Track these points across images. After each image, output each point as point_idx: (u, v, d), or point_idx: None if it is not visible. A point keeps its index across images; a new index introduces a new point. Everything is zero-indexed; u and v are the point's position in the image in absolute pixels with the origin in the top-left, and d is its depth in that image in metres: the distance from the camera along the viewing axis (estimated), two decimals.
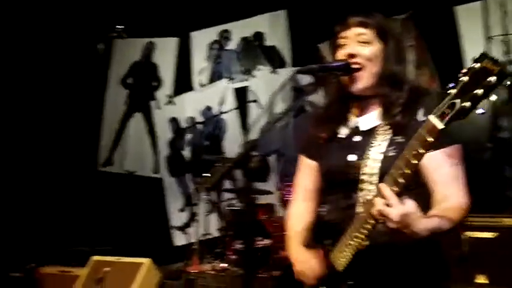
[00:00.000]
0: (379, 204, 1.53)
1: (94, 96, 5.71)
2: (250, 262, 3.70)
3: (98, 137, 5.88)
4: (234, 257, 4.17)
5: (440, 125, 1.45)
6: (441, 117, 1.45)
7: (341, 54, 1.84)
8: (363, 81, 1.81)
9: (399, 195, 1.54)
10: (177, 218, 5.52)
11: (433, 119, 1.46)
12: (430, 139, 1.47)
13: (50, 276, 4.44)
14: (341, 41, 1.86)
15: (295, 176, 2.10)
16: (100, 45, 5.39)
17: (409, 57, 4.17)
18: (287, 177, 4.22)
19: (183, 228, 5.46)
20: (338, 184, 1.83)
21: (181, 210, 5.52)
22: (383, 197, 1.54)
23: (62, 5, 5.39)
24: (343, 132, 1.89)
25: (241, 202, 4.20)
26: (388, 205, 1.52)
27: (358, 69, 1.81)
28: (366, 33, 1.83)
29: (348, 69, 1.81)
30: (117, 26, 5.30)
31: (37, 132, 5.41)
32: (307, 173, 2.03)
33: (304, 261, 1.86)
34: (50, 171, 5.41)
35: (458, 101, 1.43)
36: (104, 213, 5.32)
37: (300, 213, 2.04)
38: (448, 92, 1.44)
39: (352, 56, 1.81)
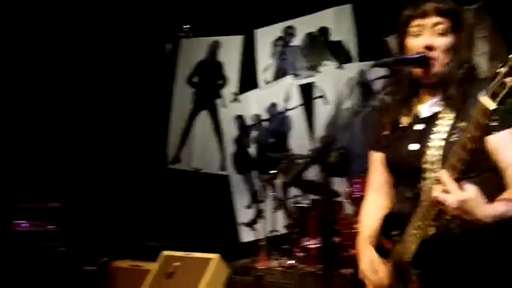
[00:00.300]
0: (436, 191, 1.52)
1: (162, 95, 5.83)
2: (329, 259, 3.68)
3: (166, 136, 6.00)
4: (301, 254, 4.15)
5: (492, 105, 1.40)
6: (493, 97, 1.40)
7: (417, 45, 1.78)
8: (434, 71, 1.77)
9: (459, 180, 1.50)
10: (244, 214, 5.56)
11: (484, 99, 1.41)
12: (483, 120, 1.42)
13: (122, 270, 4.58)
14: (415, 30, 1.80)
15: (367, 174, 2.08)
16: (168, 45, 5.50)
17: (482, 48, 4.05)
18: (355, 174, 4.16)
19: (250, 225, 5.50)
20: (403, 174, 1.82)
21: (248, 207, 5.55)
22: (441, 183, 1.52)
23: (130, 6, 5.54)
24: (406, 121, 1.86)
25: (319, 196, 4.17)
26: (446, 191, 1.50)
27: (433, 61, 1.76)
28: (443, 22, 1.76)
29: (426, 62, 1.76)
30: (184, 26, 5.38)
31: (108, 132, 5.60)
32: (377, 167, 2.00)
33: (370, 262, 1.86)
34: (122, 169, 5.57)
35: (509, 79, 1.37)
36: (172, 209, 5.42)
37: (372, 209, 2.01)
38: (498, 71, 1.39)
39: (429, 48, 1.76)
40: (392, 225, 1.81)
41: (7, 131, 5.31)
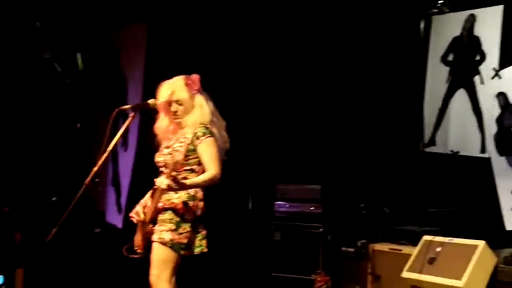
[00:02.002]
0: None
1: (415, 76, 5.67)
2: None
3: (421, 117, 5.82)
4: None
5: None
6: None
7: None
8: None
9: None
10: (509, 199, 5.11)
11: None
12: None
13: (381, 253, 4.59)
14: None
15: None
16: (422, 23, 5.31)
17: None
18: None
19: None
20: None
21: None
22: None
23: None
24: None
25: None
26: None
27: None
28: None
29: None
30: (439, 2, 5.13)
31: (363, 115, 5.67)
32: None
33: None
34: (377, 152, 5.59)
35: None
36: (430, 193, 5.25)
37: None
38: None
39: None
40: None
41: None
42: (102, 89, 6.68)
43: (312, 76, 5.92)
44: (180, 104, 3.22)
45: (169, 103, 3.24)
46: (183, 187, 3.02)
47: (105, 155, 3.00)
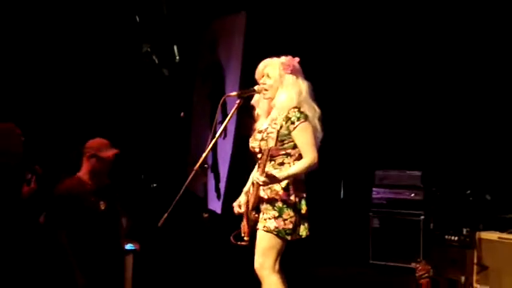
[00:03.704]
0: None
1: None
2: None
3: None
4: None
5: None
6: None
7: None
8: None
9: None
10: None
11: None
12: None
13: (488, 242, 4.41)
14: None
15: None
16: None
17: None
18: None
19: None
20: None
21: None
22: None
23: None
24: None
25: None
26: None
27: None
28: None
29: None
30: None
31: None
32: None
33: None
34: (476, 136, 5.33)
35: None
36: None
37: None
38: None
39: None
40: None
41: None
42: (201, 79, 6.86)
43: (412, 61, 5.72)
44: (269, 78, 3.16)
45: (261, 76, 3.20)
46: (280, 180, 3.00)
47: (214, 140, 3.01)
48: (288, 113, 3.09)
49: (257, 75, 3.24)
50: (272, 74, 3.16)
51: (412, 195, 5.33)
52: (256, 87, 3.20)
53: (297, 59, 3.22)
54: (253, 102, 3.30)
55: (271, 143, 2.92)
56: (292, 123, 3.07)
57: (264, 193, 3.10)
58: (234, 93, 3.21)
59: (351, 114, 6.13)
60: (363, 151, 6.06)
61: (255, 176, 3.03)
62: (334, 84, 5.89)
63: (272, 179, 2.95)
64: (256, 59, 3.28)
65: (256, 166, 3.19)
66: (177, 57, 6.70)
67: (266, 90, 3.18)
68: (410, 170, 5.45)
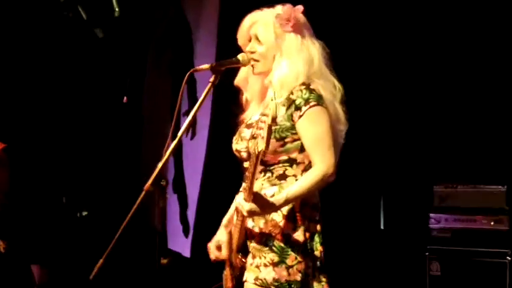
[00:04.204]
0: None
1: None
2: None
3: None
4: None
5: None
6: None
7: None
8: None
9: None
10: None
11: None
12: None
13: None
14: None
15: None
16: None
17: None
18: None
19: None
20: None
21: None
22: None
23: None
24: None
25: None
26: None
27: None
28: None
29: None
30: None
31: None
32: None
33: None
34: None
35: None
36: None
37: None
38: None
39: None
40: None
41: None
42: (155, 44, 5.28)
43: (473, 64, 4.58)
44: (259, 42, 2.31)
45: (247, 39, 2.37)
46: (275, 208, 2.14)
47: (175, 142, 2.13)
48: (292, 93, 2.22)
49: (241, 39, 2.40)
50: (264, 36, 2.30)
51: (492, 223, 4.14)
52: (240, 57, 2.35)
53: (301, 8, 2.34)
54: (237, 81, 2.46)
55: (262, 144, 1.99)
56: (298, 108, 2.20)
57: (254, 223, 2.25)
58: (207, 65, 2.34)
59: (395, 105, 4.78)
60: (415, 157, 4.70)
61: (238, 202, 2.21)
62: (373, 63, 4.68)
63: (265, 206, 2.12)
64: (239, 15, 2.41)
65: (243, 183, 2.29)
66: (117, 10, 5.15)
67: (256, 60, 2.34)
68: (489, 184, 4.25)
